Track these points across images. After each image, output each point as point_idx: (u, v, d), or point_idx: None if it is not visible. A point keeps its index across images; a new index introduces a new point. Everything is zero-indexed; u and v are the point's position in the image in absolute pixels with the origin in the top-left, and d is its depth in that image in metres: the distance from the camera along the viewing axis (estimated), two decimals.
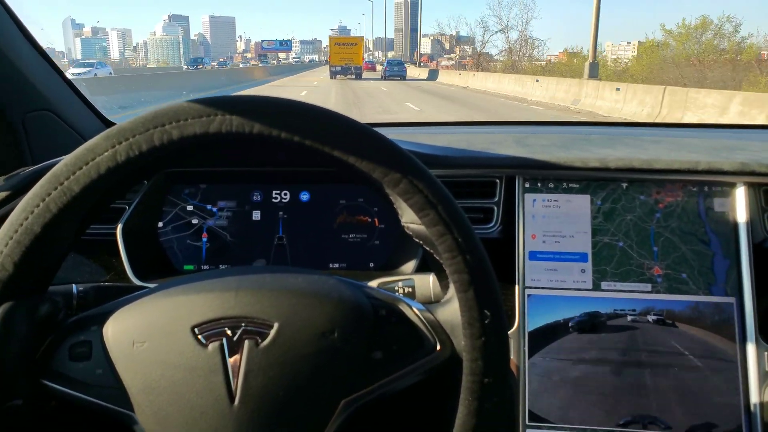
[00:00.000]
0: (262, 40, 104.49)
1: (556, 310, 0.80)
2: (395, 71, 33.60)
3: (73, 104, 1.03)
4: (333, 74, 35.03)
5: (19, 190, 0.81)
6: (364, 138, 0.43)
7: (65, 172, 0.42)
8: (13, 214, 0.43)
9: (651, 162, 0.79)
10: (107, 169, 0.42)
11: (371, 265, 0.88)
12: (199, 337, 0.43)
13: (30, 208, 0.42)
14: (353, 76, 35.39)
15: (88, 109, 1.07)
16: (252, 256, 0.88)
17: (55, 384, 0.44)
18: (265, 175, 0.89)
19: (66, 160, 0.43)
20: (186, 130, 0.41)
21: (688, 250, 0.80)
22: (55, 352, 0.45)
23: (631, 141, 0.93)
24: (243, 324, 0.43)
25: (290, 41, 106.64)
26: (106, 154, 0.41)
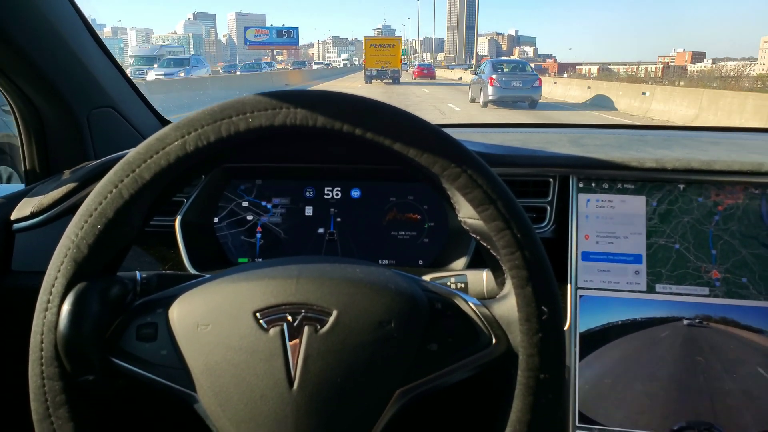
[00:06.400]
0: (246, 28, 72.83)
1: (608, 311, 0.92)
2: (516, 90, 16.35)
3: (134, 103, 1.25)
4: (368, 78, 35.66)
5: (85, 182, 1.01)
6: (425, 132, 0.51)
7: (137, 160, 0.50)
8: (87, 199, 0.52)
9: (711, 163, 0.91)
10: (176, 158, 0.50)
11: (420, 262, 1.03)
12: (261, 321, 0.51)
13: (104, 193, 0.51)
14: (390, 81, 35.79)
15: (147, 109, 1.29)
16: (303, 251, 1.04)
17: (123, 362, 0.53)
18: (318, 171, 1.06)
19: (138, 148, 0.51)
20: (253, 122, 0.49)
21: (749, 254, 0.91)
22: (123, 332, 0.54)
23: (689, 142, 1.05)
24: (303, 310, 0.51)
25: (296, 29, 69.72)
26: (176, 143, 0.50)
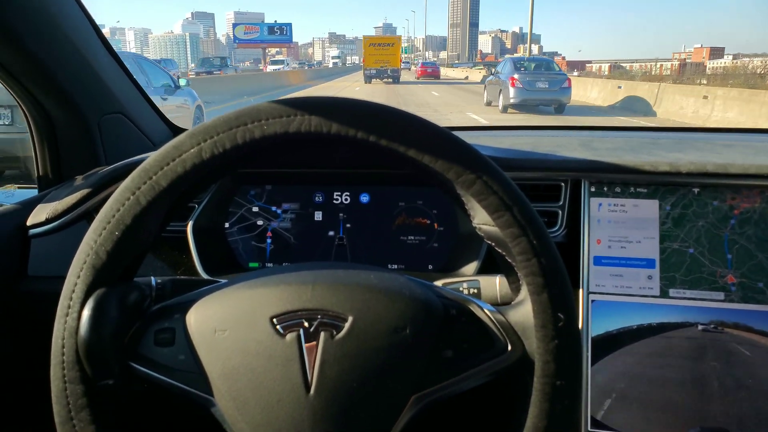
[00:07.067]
0: (234, 25, 70.10)
1: (621, 316, 0.94)
2: (542, 92, 14.17)
3: (143, 109, 1.27)
4: (368, 78, 35.82)
5: (98, 188, 1.04)
6: (440, 139, 0.52)
7: (154, 167, 0.52)
8: (105, 206, 0.53)
9: (726, 166, 0.91)
10: (193, 165, 0.51)
11: (430, 267, 1.04)
12: (278, 327, 0.52)
13: (122, 200, 0.53)
14: (390, 80, 35.90)
15: (156, 115, 1.31)
16: (313, 256, 1.06)
17: (141, 367, 0.54)
18: (327, 176, 1.08)
19: (154, 155, 0.53)
20: (267, 130, 0.51)
21: (765, 258, 0.92)
22: (141, 338, 0.55)
23: (702, 145, 1.06)
24: (319, 316, 0.52)
25: (289, 26, 66.15)
26: (192, 150, 0.51)
